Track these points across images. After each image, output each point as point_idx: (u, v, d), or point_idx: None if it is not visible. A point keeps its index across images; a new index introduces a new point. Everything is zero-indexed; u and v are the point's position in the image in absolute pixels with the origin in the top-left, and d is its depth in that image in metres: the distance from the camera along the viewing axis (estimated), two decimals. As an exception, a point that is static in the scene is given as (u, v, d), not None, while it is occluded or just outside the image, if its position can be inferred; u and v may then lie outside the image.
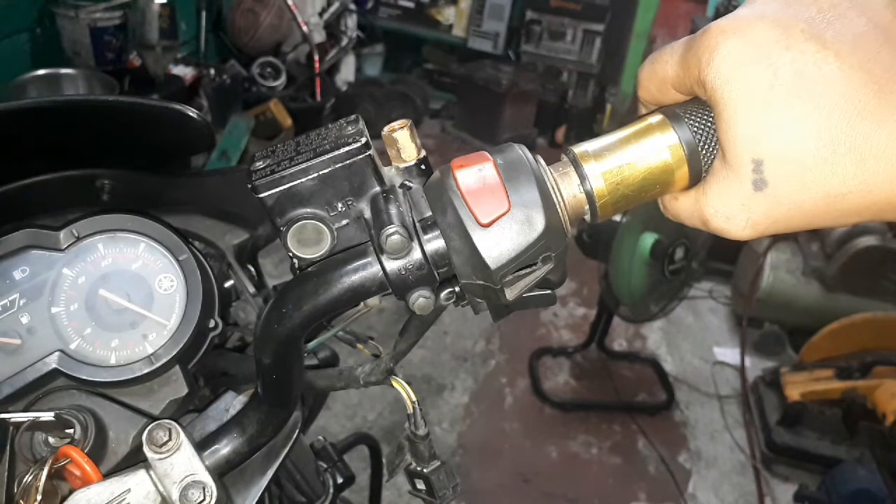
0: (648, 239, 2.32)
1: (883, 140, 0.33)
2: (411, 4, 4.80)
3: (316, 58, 3.71)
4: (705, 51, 0.36)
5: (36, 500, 0.47)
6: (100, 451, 0.54)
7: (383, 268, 0.42)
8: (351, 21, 4.17)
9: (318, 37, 3.84)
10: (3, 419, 0.51)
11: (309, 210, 0.44)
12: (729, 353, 2.97)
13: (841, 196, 0.35)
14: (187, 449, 0.48)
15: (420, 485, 0.62)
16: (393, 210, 0.42)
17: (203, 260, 0.60)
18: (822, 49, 0.34)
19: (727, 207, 0.38)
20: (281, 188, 0.43)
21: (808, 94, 0.34)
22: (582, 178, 0.41)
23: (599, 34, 4.48)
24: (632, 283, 2.38)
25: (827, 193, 0.35)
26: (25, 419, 0.51)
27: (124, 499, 0.47)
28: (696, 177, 0.41)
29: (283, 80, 3.60)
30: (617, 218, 2.24)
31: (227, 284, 0.70)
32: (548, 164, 0.42)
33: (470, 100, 4.50)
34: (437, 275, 0.42)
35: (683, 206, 0.42)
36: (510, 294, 0.41)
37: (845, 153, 0.34)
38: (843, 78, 0.34)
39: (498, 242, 0.39)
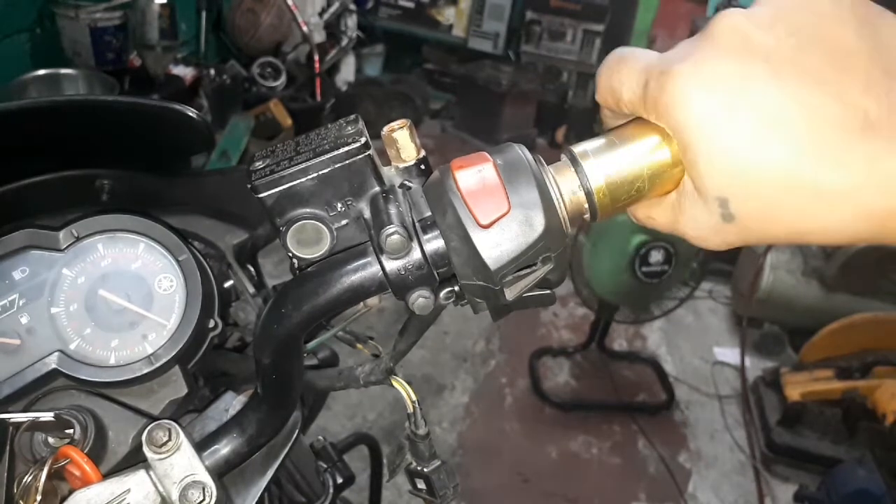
0: (636, 239, 2.31)
1: (841, 182, 0.33)
2: (411, 4, 4.80)
3: (316, 58, 3.70)
4: (663, 95, 0.36)
5: (36, 500, 0.47)
6: (100, 451, 0.54)
7: (383, 268, 0.42)
8: (351, 21, 4.17)
9: (318, 37, 3.84)
10: (3, 419, 0.51)
11: (308, 210, 0.44)
12: (729, 353, 2.97)
13: (803, 234, 0.35)
14: (187, 449, 0.48)
15: (420, 484, 0.62)
16: (392, 210, 0.42)
17: (203, 260, 0.60)
18: (783, 85, 0.33)
19: (700, 232, 0.39)
20: (280, 188, 0.43)
21: (769, 132, 0.34)
22: (582, 177, 0.41)
23: (599, 34, 4.48)
24: (605, 281, 2.39)
25: (789, 231, 0.36)
26: (25, 419, 0.51)
27: (124, 499, 0.47)
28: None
29: (283, 80, 3.60)
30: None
31: (227, 284, 0.70)
32: (548, 164, 0.42)
33: (470, 100, 4.50)
34: (436, 275, 0.42)
35: (660, 222, 0.42)
36: (510, 294, 0.41)
37: (807, 194, 0.34)
38: (805, 117, 0.33)
39: (498, 243, 0.39)
